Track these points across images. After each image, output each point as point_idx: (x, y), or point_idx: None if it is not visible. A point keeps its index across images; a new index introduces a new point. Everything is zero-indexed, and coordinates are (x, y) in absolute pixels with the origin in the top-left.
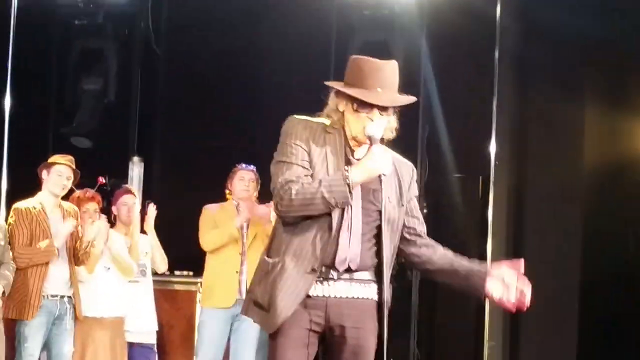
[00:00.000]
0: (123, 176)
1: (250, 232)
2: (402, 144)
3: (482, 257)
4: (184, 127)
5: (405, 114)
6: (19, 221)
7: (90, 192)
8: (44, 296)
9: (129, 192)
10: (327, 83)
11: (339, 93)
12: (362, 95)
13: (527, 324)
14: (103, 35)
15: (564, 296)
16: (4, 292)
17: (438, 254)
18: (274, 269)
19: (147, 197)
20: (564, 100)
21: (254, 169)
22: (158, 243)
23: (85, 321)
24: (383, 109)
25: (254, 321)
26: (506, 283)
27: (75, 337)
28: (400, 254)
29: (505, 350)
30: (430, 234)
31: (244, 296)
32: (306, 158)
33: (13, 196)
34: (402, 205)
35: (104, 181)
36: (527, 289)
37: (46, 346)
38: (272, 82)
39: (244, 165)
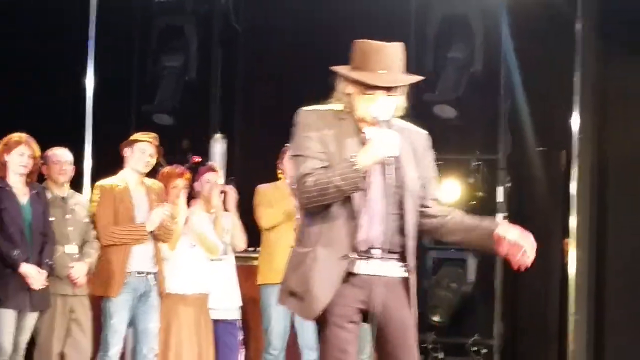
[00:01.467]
0: (205, 153)
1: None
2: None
3: (565, 230)
4: (266, 104)
5: (487, 89)
6: (102, 198)
7: (180, 168)
8: (128, 273)
9: (212, 169)
10: (333, 68)
11: (344, 77)
12: (364, 77)
13: (612, 297)
14: (183, 13)
15: None
16: (89, 270)
17: (450, 216)
18: (307, 258)
19: (229, 174)
20: None
21: None
22: (238, 222)
23: (169, 298)
24: (388, 89)
25: (291, 310)
26: (511, 241)
27: (160, 314)
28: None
29: (590, 323)
30: (513, 207)
31: None
32: (320, 149)
33: (97, 174)
34: (419, 174)
35: (198, 159)
36: (530, 248)
37: (132, 322)
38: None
39: None
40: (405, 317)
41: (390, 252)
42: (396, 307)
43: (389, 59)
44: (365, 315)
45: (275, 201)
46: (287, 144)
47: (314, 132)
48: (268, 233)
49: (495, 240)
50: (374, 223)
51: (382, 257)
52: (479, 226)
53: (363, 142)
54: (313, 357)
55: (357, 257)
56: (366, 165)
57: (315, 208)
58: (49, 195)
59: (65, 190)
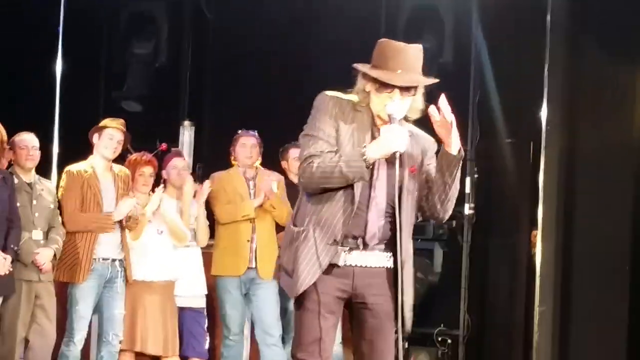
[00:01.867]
0: (174, 140)
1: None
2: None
3: (533, 222)
4: (235, 91)
5: (456, 79)
6: (70, 184)
7: (148, 155)
8: (95, 259)
9: (179, 155)
10: (354, 65)
11: (364, 74)
12: (382, 76)
13: (578, 288)
14: None
15: (615, 260)
16: (55, 256)
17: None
18: (299, 237)
19: (197, 161)
20: (616, 64)
21: (256, 135)
22: (204, 218)
23: (136, 285)
24: (405, 90)
25: (281, 285)
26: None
27: (125, 301)
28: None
29: (555, 315)
30: (481, 199)
31: (254, 264)
32: (333, 134)
33: (64, 160)
34: (425, 176)
35: (165, 147)
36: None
37: (97, 309)
38: (323, 47)
39: (245, 131)
40: (385, 305)
41: (378, 243)
42: (376, 296)
43: (408, 59)
44: (346, 305)
45: (230, 191)
46: (240, 130)
47: (329, 117)
48: (223, 227)
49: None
50: (372, 215)
51: (370, 249)
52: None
53: (373, 137)
54: (270, 341)
55: (345, 246)
56: (374, 157)
57: (314, 189)
58: (15, 180)
59: (32, 176)
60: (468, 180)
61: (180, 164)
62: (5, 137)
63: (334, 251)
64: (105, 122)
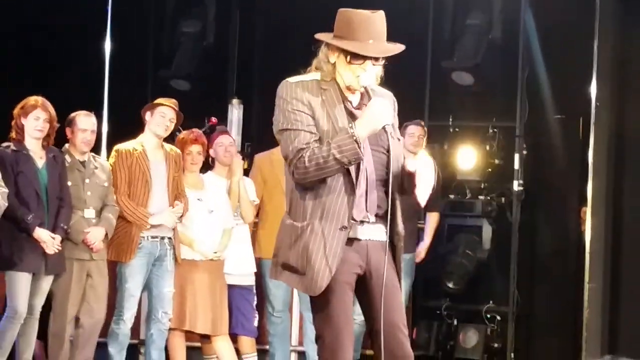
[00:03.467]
0: (222, 119)
1: None
2: (501, 84)
3: (583, 199)
4: (283, 69)
5: (505, 55)
6: (118, 162)
7: (195, 133)
8: (143, 237)
9: (225, 132)
10: (316, 36)
11: (330, 45)
12: (357, 48)
13: (628, 265)
14: None
15: None
16: (106, 235)
17: None
18: (304, 232)
19: (245, 140)
20: None
21: None
22: (246, 195)
23: (185, 263)
24: (375, 59)
25: (289, 285)
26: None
27: (175, 279)
28: None
29: (605, 292)
30: (530, 175)
31: None
32: (311, 122)
33: (113, 139)
34: (399, 138)
35: (215, 121)
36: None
37: (147, 287)
38: None
39: None
40: (394, 278)
41: (377, 216)
42: (383, 269)
43: (376, 28)
44: (360, 279)
45: (267, 172)
46: None
47: (302, 105)
48: (264, 206)
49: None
50: (368, 190)
51: (374, 222)
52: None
53: (348, 110)
54: None
55: (358, 222)
56: (363, 135)
57: (311, 183)
58: (68, 159)
59: (85, 155)
60: (517, 156)
61: (227, 142)
62: (54, 116)
63: (346, 234)
64: (158, 100)
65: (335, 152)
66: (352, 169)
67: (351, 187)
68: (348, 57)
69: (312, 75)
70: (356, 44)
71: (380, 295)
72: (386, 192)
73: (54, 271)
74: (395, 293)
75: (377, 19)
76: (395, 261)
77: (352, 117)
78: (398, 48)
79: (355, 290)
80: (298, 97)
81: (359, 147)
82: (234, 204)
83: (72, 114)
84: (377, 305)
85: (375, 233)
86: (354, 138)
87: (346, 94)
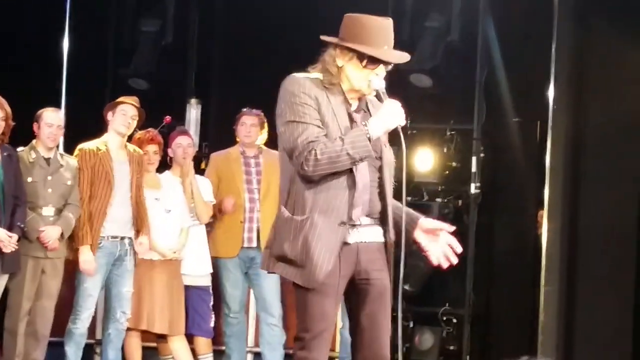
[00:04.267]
0: (180, 118)
1: (264, 181)
2: (459, 87)
3: (539, 201)
4: (242, 69)
5: (463, 57)
6: (81, 161)
7: (151, 133)
8: (103, 237)
9: (184, 133)
10: (325, 38)
11: (342, 48)
12: (376, 53)
13: (584, 268)
14: None
15: (620, 241)
16: (63, 234)
17: None
18: (304, 225)
19: (203, 139)
20: (624, 42)
21: (260, 114)
22: (200, 195)
23: (143, 263)
24: (387, 64)
25: (285, 277)
26: (433, 236)
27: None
28: None
29: (561, 295)
30: (487, 178)
31: (255, 243)
32: (317, 116)
33: (72, 138)
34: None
35: (170, 120)
36: (455, 243)
37: (105, 286)
38: (330, 24)
39: (248, 109)
40: (385, 280)
41: (372, 218)
42: (377, 271)
43: (389, 34)
44: (350, 281)
45: (223, 172)
46: (244, 109)
47: (310, 99)
48: (218, 206)
49: (418, 228)
50: (364, 191)
51: (368, 224)
52: (407, 211)
53: (348, 113)
54: (270, 321)
55: (351, 221)
56: (377, 134)
57: (320, 176)
58: (33, 155)
59: (51, 152)
60: (474, 159)
61: (185, 142)
62: (10, 113)
63: (343, 232)
64: (120, 99)
65: (348, 148)
66: (354, 167)
67: (352, 184)
68: (364, 62)
69: (315, 74)
70: (373, 49)
71: (365, 295)
72: (381, 195)
73: (10, 270)
74: (386, 294)
75: (390, 26)
76: (388, 263)
77: (351, 119)
78: (407, 56)
79: (345, 292)
80: (306, 92)
81: (370, 145)
82: (189, 205)
83: (40, 110)
84: (363, 305)
85: (369, 235)
86: (368, 135)
87: (349, 98)
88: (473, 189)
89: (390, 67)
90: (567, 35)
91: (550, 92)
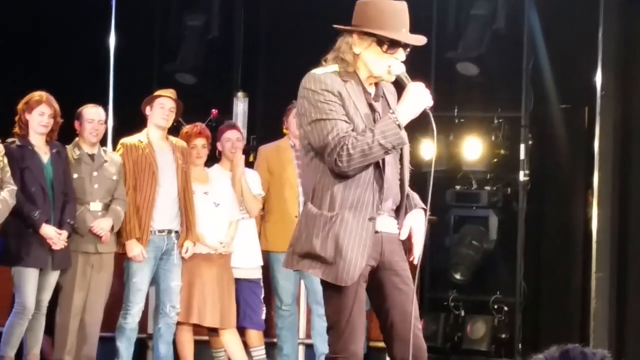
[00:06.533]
0: (227, 112)
1: None
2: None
3: (589, 188)
4: (288, 61)
5: (509, 45)
6: (125, 155)
7: (199, 126)
8: (151, 231)
9: (233, 127)
10: (339, 27)
11: (360, 35)
12: (397, 36)
13: (635, 254)
14: None
15: None
16: (113, 227)
17: None
18: (334, 222)
19: (251, 133)
20: None
21: None
22: (248, 189)
23: (193, 256)
24: (405, 48)
25: (313, 273)
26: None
27: (182, 273)
28: None
29: (612, 281)
30: (536, 164)
31: None
32: (343, 112)
33: (119, 133)
34: None
35: (217, 113)
36: (416, 249)
37: (154, 281)
38: None
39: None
40: (407, 270)
41: (392, 209)
42: (400, 262)
43: (405, 17)
44: (372, 272)
45: (274, 164)
46: (294, 101)
47: (333, 95)
48: (271, 198)
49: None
50: (394, 183)
51: (389, 214)
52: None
53: (368, 102)
54: (322, 312)
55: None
56: (406, 120)
57: (355, 170)
58: (77, 152)
59: (95, 148)
60: (522, 147)
61: (234, 137)
62: (58, 111)
63: (372, 227)
64: (157, 92)
65: (379, 138)
66: (381, 161)
67: (380, 178)
68: (384, 47)
69: (330, 67)
70: (393, 32)
71: (393, 286)
72: (401, 185)
73: (61, 266)
74: (409, 284)
75: (406, 8)
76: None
77: (371, 109)
78: (424, 39)
79: (368, 285)
80: (328, 88)
81: (402, 132)
82: (238, 199)
83: (80, 108)
84: (392, 297)
85: (390, 226)
86: (397, 122)
87: (366, 85)
88: (522, 176)
89: (408, 50)
90: (613, 21)
91: (598, 78)
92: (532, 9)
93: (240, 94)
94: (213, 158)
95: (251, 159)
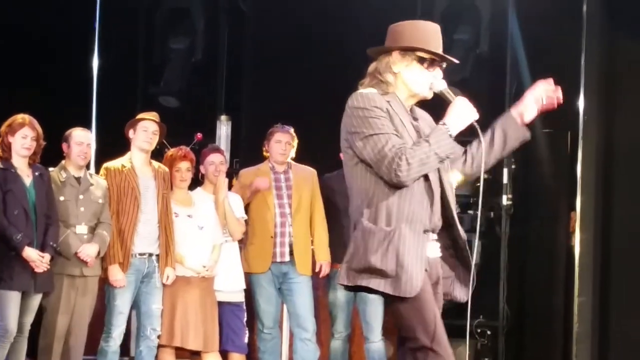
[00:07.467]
0: (211, 135)
1: (294, 196)
2: (490, 100)
3: (571, 212)
4: (272, 85)
5: (492, 69)
6: (108, 180)
7: (183, 150)
8: (132, 255)
9: (216, 150)
10: (377, 48)
11: (402, 53)
12: (441, 54)
13: (618, 278)
14: None
15: None
16: (99, 252)
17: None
18: (392, 236)
19: (234, 156)
20: None
21: (291, 130)
22: (231, 212)
23: (175, 280)
24: (441, 66)
25: (375, 288)
26: (536, 98)
27: (164, 296)
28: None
29: (595, 305)
30: (518, 189)
31: (287, 258)
32: (393, 127)
33: (102, 156)
34: None
35: (201, 137)
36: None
37: (135, 304)
38: (358, 39)
39: (281, 126)
40: (440, 301)
41: (438, 227)
42: (438, 293)
43: (440, 37)
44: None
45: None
46: (276, 125)
47: (382, 112)
48: (252, 222)
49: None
50: (436, 197)
51: (434, 238)
52: (496, 130)
53: (411, 123)
54: (304, 336)
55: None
56: (457, 131)
57: (412, 181)
58: (63, 174)
59: (82, 171)
60: (505, 171)
61: (218, 160)
62: (41, 133)
63: (425, 239)
64: (140, 115)
65: (435, 147)
66: (430, 173)
67: (430, 191)
68: (425, 64)
69: (369, 89)
70: (436, 50)
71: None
72: (443, 207)
73: (43, 289)
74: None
75: (439, 30)
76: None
77: (414, 128)
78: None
79: None
80: (377, 105)
81: (454, 142)
82: (221, 222)
83: (69, 130)
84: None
85: (434, 250)
86: (449, 133)
87: (406, 105)
88: (505, 200)
89: (443, 68)
90: (596, 46)
91: (581, 103)
92: (515, 33)
93: (223, 117)
94: (196, 181)
95: (234, 182)
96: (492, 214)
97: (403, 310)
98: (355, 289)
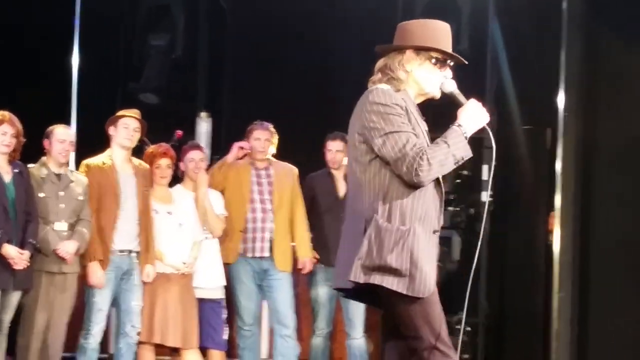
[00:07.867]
0: (191, 132)
1: (275, 192)
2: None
3: (551, 209)
4: (252, 82)
5: (473, 66)
6: (88, 177)
7: (164, 147)
8: (111, 251)
9: (196, 147)
10: (389, 46)
11: (418, 52)
12: (452, 53)
13: (597, 274)
14: None
15: (634, 247)
16: (78, 249)
17: None
18: (407, 235)
19: (214, 153)
20: (635, 49)
21: (270, 127)
22: (211, 208)
23: (155, 277)
24: (450, 66)
25: (387, 287)
26: None
27: (144, 293)
28: None
29: (574, 301)
30: (498, 186)
31: (268, 254)
32: (411, 126)
33: (82, 153)
34: None
35: (181, 134)
36: None
37: (115, 301)
38: (340, 36)
39: (260, 123)
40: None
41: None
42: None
43: (450, 37)
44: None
45: (232, 182)
46: (255, 122)
47: (401, 109)
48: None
49: None
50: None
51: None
52: None
53: (423, 121)
54: (285, 332)
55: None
56: (471, 132)
57: (430, 180)
58: (44, 171)
59: (62, 168)
60: (485, 167)
61: (198, 157)
62: (21, 130)
63: (436, 240)
64: (120, 112)
65: (453, 149)
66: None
67: (440, 191)
68: (437, 64)
69: (382, 85)
70: (446, 49)
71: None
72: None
73: (23, 286)
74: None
75: (449, 29)
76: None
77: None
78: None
79: None
80: (398, 103)
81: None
82: (201, 219)
83: (50, 127)
84: None
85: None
86: (465, 135)
87: (416, 102)
88: (484, 197)
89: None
90: (576, 42)
91: (560, 99)
92: (495, 30)
93: (203, 114)
94: (176, 178)
95: (214, 171)
96: (472, 210)
97: (412, 310)
98: (364, 287)
